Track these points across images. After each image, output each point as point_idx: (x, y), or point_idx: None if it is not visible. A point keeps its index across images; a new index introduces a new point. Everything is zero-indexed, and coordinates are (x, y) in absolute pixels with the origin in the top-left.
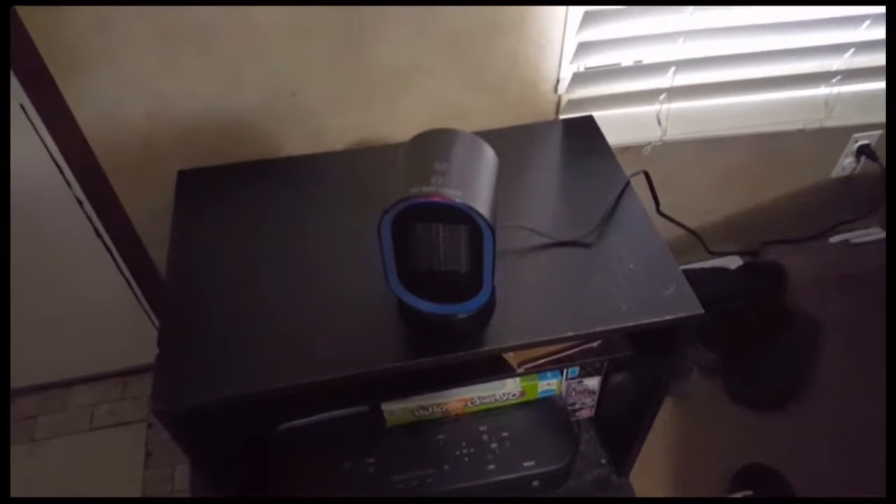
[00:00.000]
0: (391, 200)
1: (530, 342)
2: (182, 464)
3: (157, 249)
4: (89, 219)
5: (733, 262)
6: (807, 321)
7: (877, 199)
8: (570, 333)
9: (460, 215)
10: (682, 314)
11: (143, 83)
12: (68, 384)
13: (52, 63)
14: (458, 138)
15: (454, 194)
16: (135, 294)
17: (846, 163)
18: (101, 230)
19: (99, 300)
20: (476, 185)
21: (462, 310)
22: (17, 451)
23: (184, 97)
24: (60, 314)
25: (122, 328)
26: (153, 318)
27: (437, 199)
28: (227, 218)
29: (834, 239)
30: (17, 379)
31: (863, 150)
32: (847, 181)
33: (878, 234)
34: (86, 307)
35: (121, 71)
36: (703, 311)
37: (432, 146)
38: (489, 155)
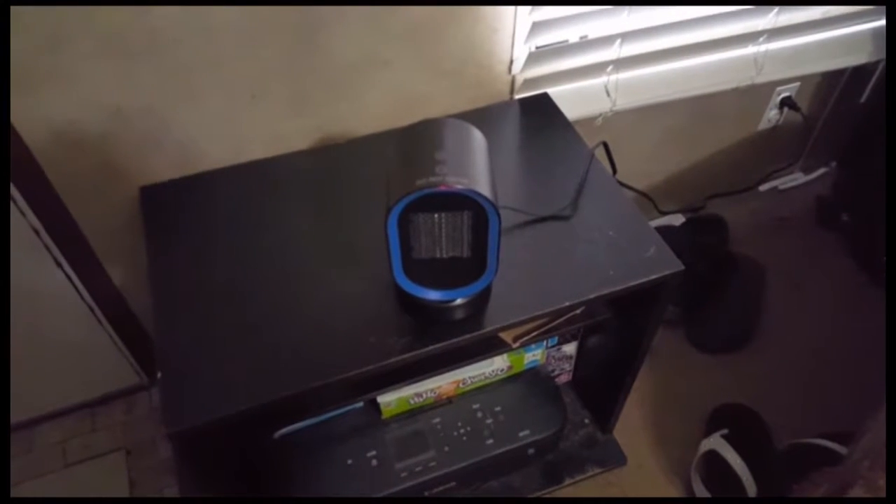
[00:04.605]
0: (397, 195)
1: (531, 317)
2: (169, 487)
3: (120, 270)
4: (47, 248)
5: (677, 220)
6: (751, 265)
7: (799, 147)
8: (567, 304)
9: (464, 202)
10: (667, 272)
11: (99, 100)
12: (32, 423)
13: None
14: (447, 125)
15: (460, 181)
16: (98, 320)
17: (771, 115)
18: (61, 259)
19: (61, 330)
20: (475, 169)
21: (468, 293)
22: None
23: (142, 112)
24: (20, 349)
25: (88, 357)
26: (119, 343)
27: (443, 188)
28: (201, 230)
29: (763, 187)
30: None
31: (785, 102)
32: (772, 132)
33: (801, 178)
34: (47, 339)
35: (74, 90)
36: (683, 267)
37: (426, 137)
38: (478, 137)
